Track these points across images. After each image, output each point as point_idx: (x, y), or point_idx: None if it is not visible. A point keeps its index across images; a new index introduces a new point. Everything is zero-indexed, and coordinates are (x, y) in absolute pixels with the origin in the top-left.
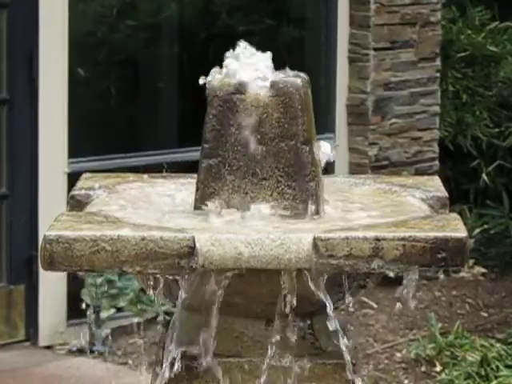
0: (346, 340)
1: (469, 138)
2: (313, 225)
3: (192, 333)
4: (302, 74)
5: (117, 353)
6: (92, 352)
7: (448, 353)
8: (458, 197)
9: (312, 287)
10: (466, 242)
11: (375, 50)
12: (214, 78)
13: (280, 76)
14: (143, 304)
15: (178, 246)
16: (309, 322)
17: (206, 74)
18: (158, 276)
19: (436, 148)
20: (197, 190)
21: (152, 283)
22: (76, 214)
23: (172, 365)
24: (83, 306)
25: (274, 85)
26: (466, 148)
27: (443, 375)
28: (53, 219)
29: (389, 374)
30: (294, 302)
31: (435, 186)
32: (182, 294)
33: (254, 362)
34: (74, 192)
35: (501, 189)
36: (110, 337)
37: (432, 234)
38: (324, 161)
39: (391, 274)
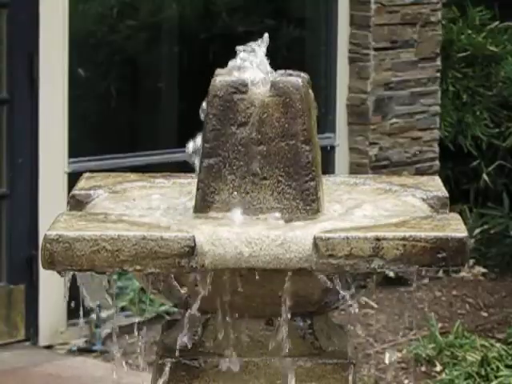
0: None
1: (469, 138)
2: (313, 224)
3: (192, 332)
4: (303, 74)
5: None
6: (92, 352)
7: (448, 353)
8: (458, 197)
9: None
10: (466, 241)
11: (375, 49)
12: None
13: (280, 76)
14: (143, 304)
15: (178, 245)
16: (309, 321)
17: (206, 74)
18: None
19: (436, 148)
20: (197, 189)
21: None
22: (76, 213)
23: (172, 364)
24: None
25: (274, 85)
26: (466, 148)
27: (443, 375)
28: (53, 219)
29: (389, 374)
30: (294, 302)
31: (435, 186)
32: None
33: (254, 361)
34: (75, 192)
35: (501, 189)
36: (110, 337)
37: (432, 234)
38: None
39: (391, 274)
